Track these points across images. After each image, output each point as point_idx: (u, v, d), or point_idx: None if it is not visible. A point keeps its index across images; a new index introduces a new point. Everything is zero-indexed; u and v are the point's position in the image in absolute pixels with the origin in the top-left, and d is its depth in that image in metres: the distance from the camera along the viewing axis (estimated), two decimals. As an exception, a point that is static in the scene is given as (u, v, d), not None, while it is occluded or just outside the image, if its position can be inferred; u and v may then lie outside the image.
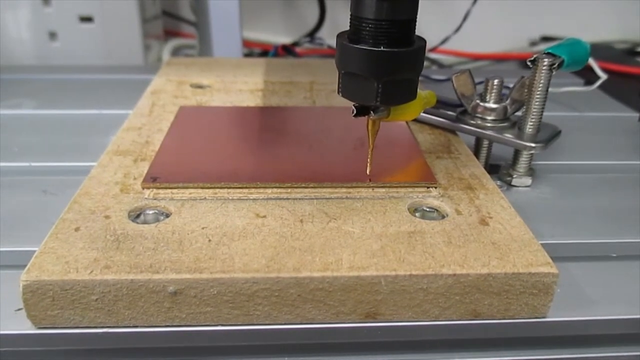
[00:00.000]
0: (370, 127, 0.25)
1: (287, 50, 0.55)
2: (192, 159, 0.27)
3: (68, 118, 0.39)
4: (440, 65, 0.62)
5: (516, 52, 0.65)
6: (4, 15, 0.49)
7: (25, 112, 0.40)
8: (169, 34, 0.62)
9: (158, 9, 0.57)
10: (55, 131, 0.37)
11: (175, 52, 0.60)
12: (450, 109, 0.33)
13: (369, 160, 0.26)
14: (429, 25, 0.59)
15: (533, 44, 0.66)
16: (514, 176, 0.31)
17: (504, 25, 0.66)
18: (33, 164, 0.32)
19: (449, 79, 0.48)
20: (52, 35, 0.50)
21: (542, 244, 0.22)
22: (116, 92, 0.44)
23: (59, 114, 0.40)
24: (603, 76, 0.40)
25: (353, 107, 0.24)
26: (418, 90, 0.24)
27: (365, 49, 0.22)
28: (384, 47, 0.22)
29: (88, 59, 0.51)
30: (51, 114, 0.40)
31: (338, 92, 0.24)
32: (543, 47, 0.63)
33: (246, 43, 0.59)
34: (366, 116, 0.24)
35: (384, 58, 0.22)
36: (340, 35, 0.23)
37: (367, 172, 0.26)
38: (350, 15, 0.23)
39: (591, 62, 0.46)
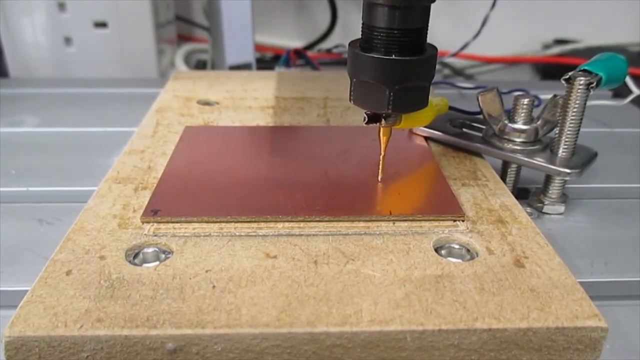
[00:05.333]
0: (381, 134, 0.25)
1: (299, 55, 0.54)
2: (196, 188, 0.25)
3: (71, 136, 0.37)
4: (452, 69, 0.60)
5: (529, 55, 0.64)
6: (20, 20, 0.49)
7: (26, 129, 0.39)
8: (182, 38, 0.62)
9: (171, 13, 0.57)
10: (56, 151, 0.35)
11: (188, 56, 0.59)
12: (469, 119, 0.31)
13: (380, 167, 0.26)
14: (442, 29, 0.57)
15: (546, 47, 0.65)
16: (546, 203, 0.29)
17: (516, 28, 0.65)
18: (31, 188, 0.31)
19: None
20: (68, 41, 0.50)
21: (580, 282, 0.19)
22: (122, 108, 0.42)
23: (61, 131, 0.38)
24: (636, 91, 0.37)
25: (365, 115, 0.24)
26: (430, 97, 0.24)
27: (376, 57, 0.22)
28: (395, 56, 0.22)
29: (102, 63, 0.51)
30: (53, 131, 0.38)
31: (350, 100, 0.24)
32: (556, 50, 0.62)
33: (258, 47, 0.58)
34: (377, 124, 0.24)
35: (396, 66, 0.22)
36: (352, 44, 0.23)
37: (379, 178, 0.26)
38: (362, 24, 0.23)
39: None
